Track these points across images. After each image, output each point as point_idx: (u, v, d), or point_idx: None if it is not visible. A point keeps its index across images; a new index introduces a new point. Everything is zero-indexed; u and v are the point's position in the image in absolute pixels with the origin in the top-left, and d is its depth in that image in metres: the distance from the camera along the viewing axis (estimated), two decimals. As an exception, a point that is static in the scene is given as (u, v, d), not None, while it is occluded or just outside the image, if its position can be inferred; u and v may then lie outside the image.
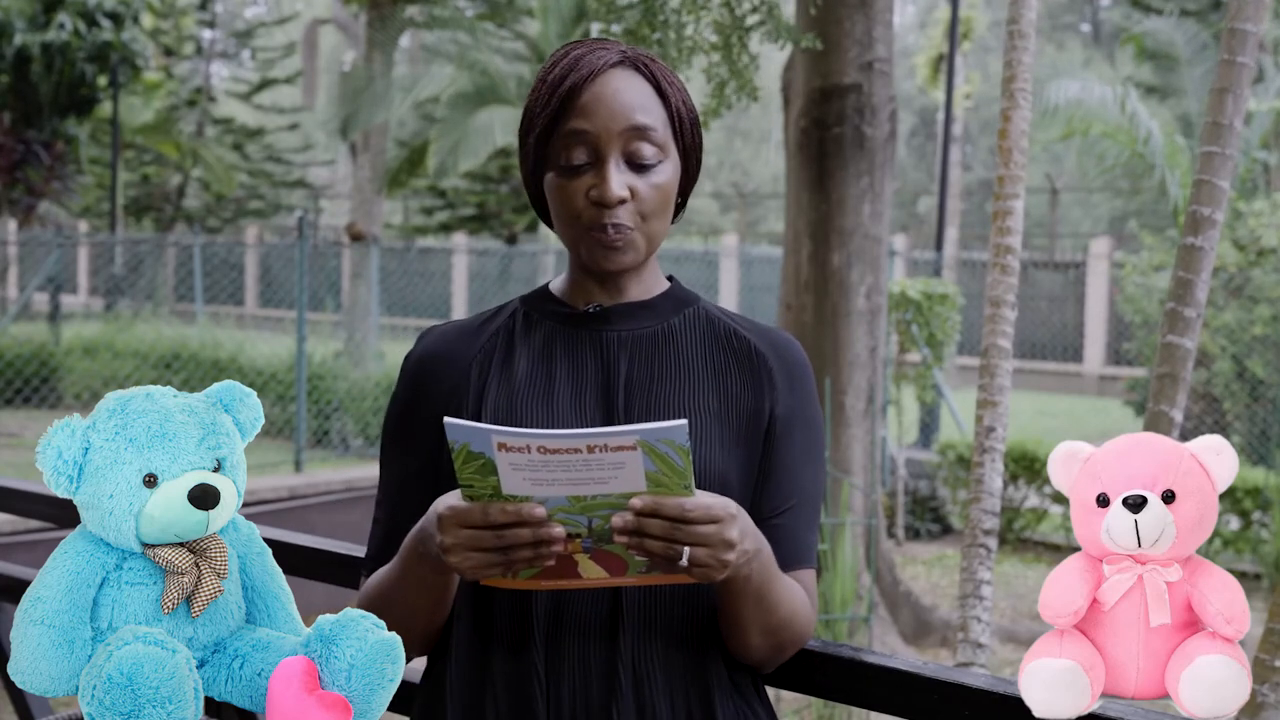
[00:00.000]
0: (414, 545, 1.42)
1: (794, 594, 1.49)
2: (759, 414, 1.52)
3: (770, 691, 1.71)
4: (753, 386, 1.53)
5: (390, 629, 1.37)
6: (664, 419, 1.47)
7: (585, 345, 1.53)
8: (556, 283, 1.60)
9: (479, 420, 1.48)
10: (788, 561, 1.51)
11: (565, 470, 1.26)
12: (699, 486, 1.43)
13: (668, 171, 1.50)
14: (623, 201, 1.46)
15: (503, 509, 1.30)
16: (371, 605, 1.46)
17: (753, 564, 1.39)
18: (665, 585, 1.44)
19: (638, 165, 1.48)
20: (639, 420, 1.48)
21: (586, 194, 1.47)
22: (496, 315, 1.60)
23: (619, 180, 1.46)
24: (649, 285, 1.57)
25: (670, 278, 1.62)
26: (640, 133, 1.48)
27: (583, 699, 1.42)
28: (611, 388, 1.51)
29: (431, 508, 1.38)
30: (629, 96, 1.48)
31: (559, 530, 1.29)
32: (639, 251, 1.50)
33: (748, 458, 1.51)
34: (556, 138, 1.48)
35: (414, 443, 1.55)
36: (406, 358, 1.59)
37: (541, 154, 1.50)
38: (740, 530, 1.33)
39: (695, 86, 7.11)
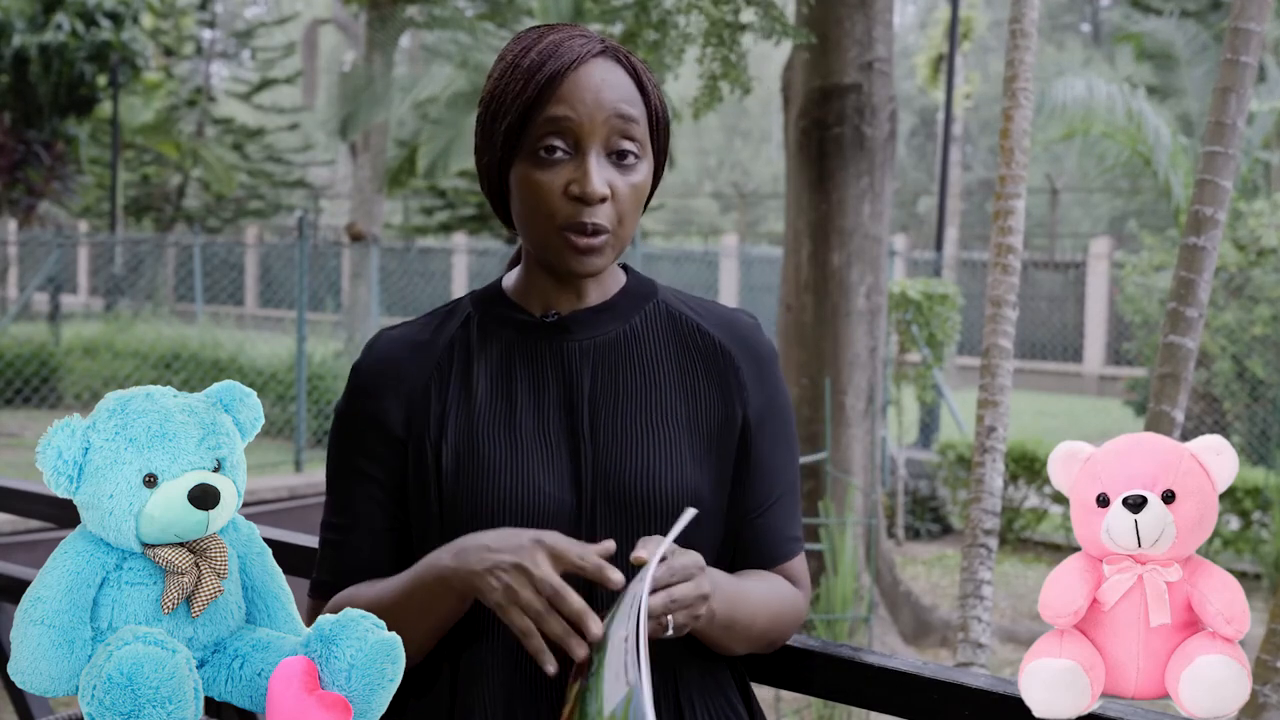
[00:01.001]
0: (436, 567, 1.35)
1: (771, 598, 1.47)
2: (730, 419, 1.47)
3: (770, 691, 1.70)
4: (720, 389, 1.48)
5: None
6: (632, 440, 1.43)
7: (545, 359, 1.46)
8: (509, 281, 1.52)
9: (440, 451, 1.43)
10: (775, 556, 1.50)
11: (623, 621, 1.23)
12: (672, 503, 1.41)
13: (644, 171, 1.43)
14: (604, 199, 1.39)
15: (592, 564, 1.27)
16: None
17: (713, 603, 1.36)
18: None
19: (618, 161, 1.40)
20: (607, 443, 1.43)
21: (565, 189, 1.38)
22: (449, 320, 1.51)
23: (601, 176, 1.38)
24: (607, 286, 1.50)
25: (625, 267, 1.55)
26: (624, 125, 1.39)
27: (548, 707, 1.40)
28: (575, 407, 1.44)
29: (523, 531, 1.31)
30: (614, 89, 1.40)
31: (582, 652, 1.26)
32: (610, 256, 1.42)
33: (719, 466, 1.46)
34: (532, 125, 1.39)
35: (369, 459, 1.47)
36: (355, 369, 1.50)
37: (512, 143, 1.40)
38: (707, 582, 1.32)
39: (691, 83, 7.10)
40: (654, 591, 1.27)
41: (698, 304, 1.54)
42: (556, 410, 1.44)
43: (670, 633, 1.30)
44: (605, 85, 1.39)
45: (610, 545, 1.31)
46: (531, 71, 1.39)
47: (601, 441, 1.43)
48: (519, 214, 1.43)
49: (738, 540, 1.49)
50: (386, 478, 1.47)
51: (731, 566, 1.49)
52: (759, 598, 1.45)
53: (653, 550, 1.27)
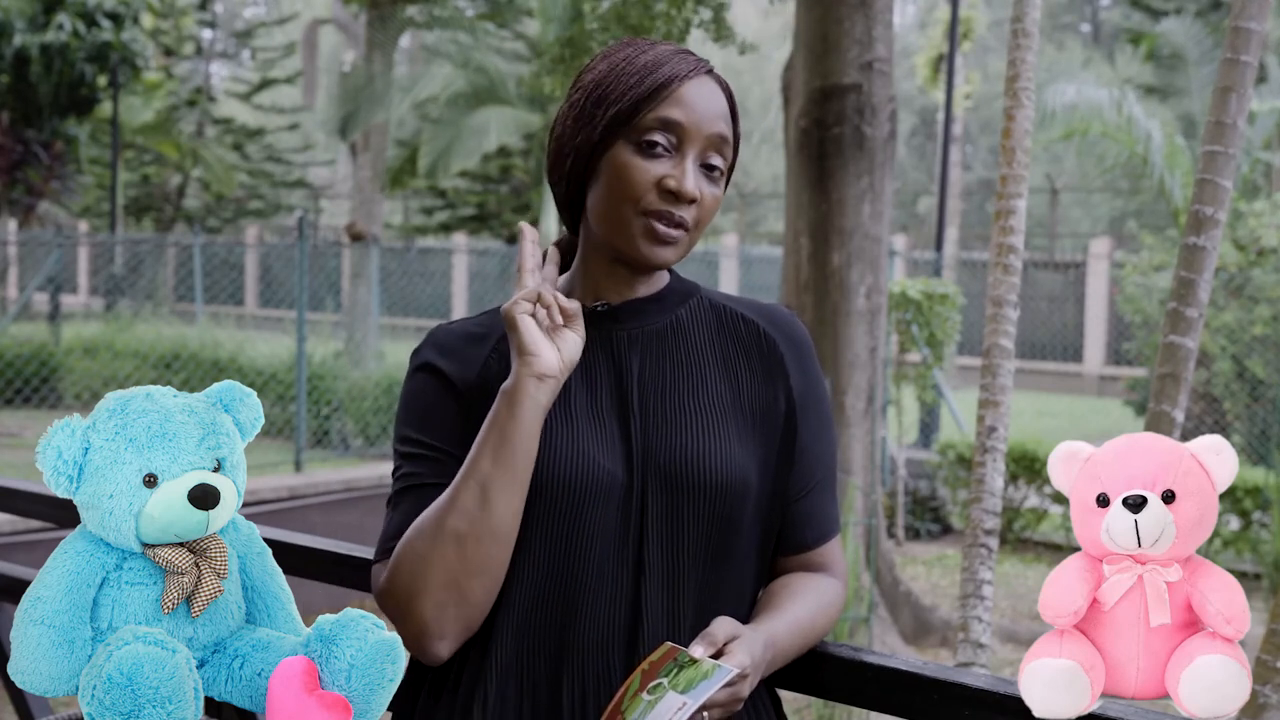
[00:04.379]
0: (494, 418, 1.42)
1: (815, 617, 1.53)
2: (774, 402, 1.54)
3: (770, 691, 1.71)
4: (764, 374, 1.55)
5: (454, 578, 1.38)
6: (679, 420, 1.50)
7: (596, 346, 1.52)
8: (562, 280, 1.59)
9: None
10: (817, 538, 1.57)
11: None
12: (721, 479, 1.47)
13: (722, 187, 1.52)
14: (693, 200, 1.47)
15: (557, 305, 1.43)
16: (424, 552, 1.40)
17: (774, 665, 1.46)
18: (683, 606, 1.47)
19: (708, 172, 1.49)
20: (656, 422, 1.49)
21: (659, 181, 1.46)
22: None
23: (695, 178, 1.47)
24: (655, 282, 1.58)
25: (668, 269, 1.61)
26: (720, 143, 1.50)
27: (594, 704, 1.44)
28: (625, 389, 1.51)
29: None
30: (718, 106, 1.50)
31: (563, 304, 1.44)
32: (680, 252, 1.50)
33: (765, 448, 1.52)
34: (641, 119, 1.47)
35: (430, 434, 1.50)
36: (416, 352, 1.55)
37: (613, 129, 1.48)
38: (751, 682, 1.38)
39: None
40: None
41: (737, 299, 1.62)
42: (607, 392, 1.51)
43: None
44: (712, 102, 1.50)
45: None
46: (647, 70, 1.48)
47: (651, 420, 1.49)
48: (603, 196, 1.49)
49: (781, 522, 1.55)
50: (448, 453, 1.50)
51: (775, 549, 1.57)
52: (801, 622, 1.51)
53: (706, 648, 1.36)
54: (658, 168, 1.46)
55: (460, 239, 24.66)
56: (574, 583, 1.45)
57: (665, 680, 1.34)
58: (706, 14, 6.20)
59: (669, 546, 1.46)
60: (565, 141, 1.53)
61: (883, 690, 1.54)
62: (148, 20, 21.29)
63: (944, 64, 17.46)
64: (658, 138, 1.46)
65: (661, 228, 1.46)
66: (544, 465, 1.44)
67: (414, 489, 1.49)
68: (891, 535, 9.54)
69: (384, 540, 1.49)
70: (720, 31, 6.17)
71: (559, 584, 1.45)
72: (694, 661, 1.35)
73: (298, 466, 9.23)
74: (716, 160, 1.49)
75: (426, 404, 1.52)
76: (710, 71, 1.52)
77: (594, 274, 1.54)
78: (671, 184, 1.45)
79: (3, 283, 16.99)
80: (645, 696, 1.34)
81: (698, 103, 1.48)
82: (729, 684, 1.34)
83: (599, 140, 1.49)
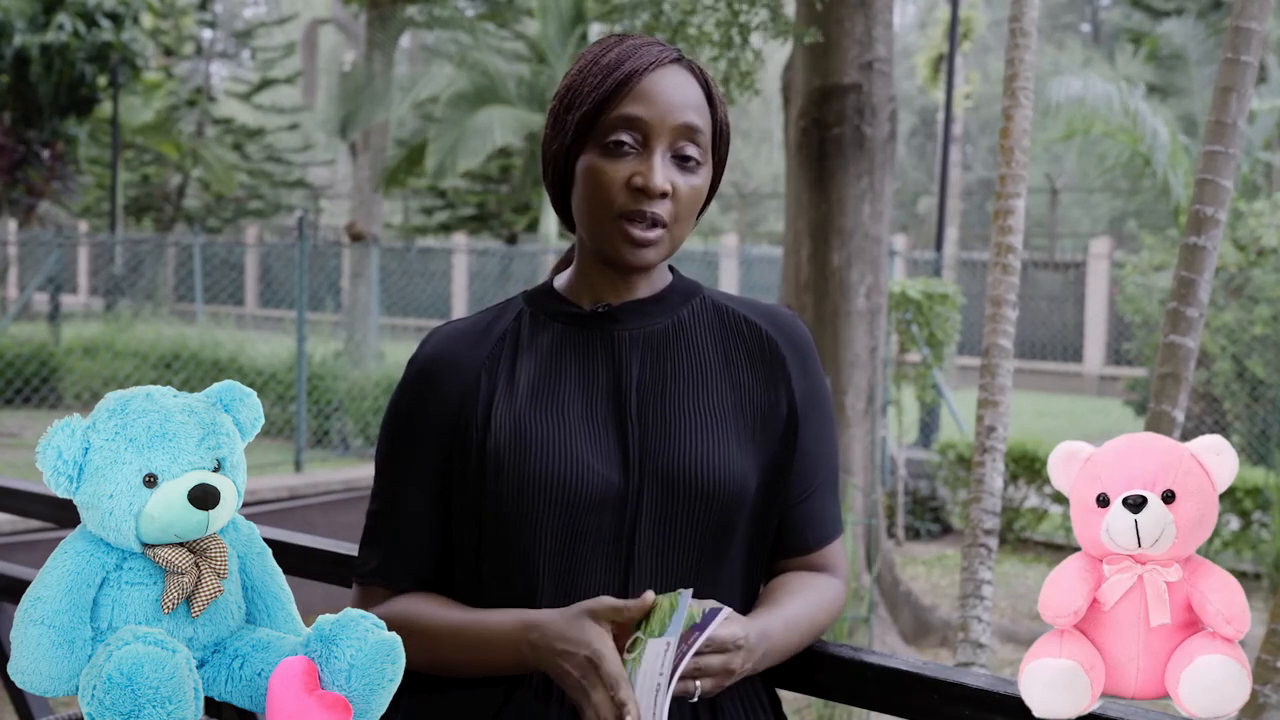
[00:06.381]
0: (512, 646, 1.40)
1: (813, 614, 1.52)
2: (776, 406, 1.52)
3: (770, 691, 1.70)
4: (766, 377, 1.53)
5: (416, 660, 1.38)
6: (679, 423, 1.48)
7: (596, 348, 1.51)
8: (561, 280, 1.57)
9: (486, 433, 1.47)
10: (818, 540, 1.56)
11: (652, 673, 1.31)
12: (720, 486, 1.46)
13: (704, 176, 1.49)
14: (664, 194, 1.44)
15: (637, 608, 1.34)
16: (407, 637, 1.38)
17: (768, 658, 1.44)
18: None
19: (681, 163, 1.47)
20: (654, 427, 1.47)
21: (628, 181, 1.44)
22: (502, 315, 1.56)
23: (664, 172, 1.44)
24: (656, 281, 1.56)
25: (670, 268, 1.60)
26: (690, 132, 1.46)
27: None
28: (623, 392, 1.49)
29: (592, 623, 1.35)
30: (685, 95, 1.47)
31: None
32: (663, 251, 1.48)
33: (765, 451, 1.51)
34: (605, 119, 1.45)
35: (417, 449, 1.51)
36: (411, 361, 1.55)
37: (583, 133, 1.47)
38: (745, 656, 1.37)
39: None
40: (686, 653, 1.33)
41: (740, 300, 1.60)
42: (604, 395, 1.49)
43: (694, 699, 1.35)
44: (677, 91, 1.47)
45: (649, 596, 1.36)
46: (609, 69, 1.46)
47: (649, 425, 1.47)
48: (580, 202, 1.48)
49: (782, 525, 1.54)
50: (434, 468, 1.50)
51: (775, 552, 1.55)
52: (799, 619, 1.50)
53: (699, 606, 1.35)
54: (625, 167, 1.44)
55: (460, 239, 24.66)
56: (567, 588, 1.44)
57: (640, 633, 1.34)
58: (763, 14, 6.11)
59: (661, 550, 1.45)
60: (545, 150, 1.53)
61: (883, 690, 1.54)
62: (148, 20, 21.28)
63: (944, 64, 17.46)
64: (623, 136, 1.44)
65: (637, 231, 1.45)
66: (536, 473, 1.43)
67: (379, 526, 1.54)
68: (891, 535, 9.54)
69: (364, 564, 1.55)
70: (779, 27, 6.10)
71: (551, 589, 1.45)
72: (655, 607, 1.35)
73: (298, 466, 9.23)
74: (690, 150, 1.46)
75: (404, 428, 1.53)
76: (679, 59, 1.49)
77: (590, 276, 1.53)
78: (639, 181, 1.43)
79: (3, 283, 16.99)
80: (627, 656, 1.33)
81: (661, 95, 1.45)
82: (723, 650, 1.34)
83: (570, 145, 1.48)
